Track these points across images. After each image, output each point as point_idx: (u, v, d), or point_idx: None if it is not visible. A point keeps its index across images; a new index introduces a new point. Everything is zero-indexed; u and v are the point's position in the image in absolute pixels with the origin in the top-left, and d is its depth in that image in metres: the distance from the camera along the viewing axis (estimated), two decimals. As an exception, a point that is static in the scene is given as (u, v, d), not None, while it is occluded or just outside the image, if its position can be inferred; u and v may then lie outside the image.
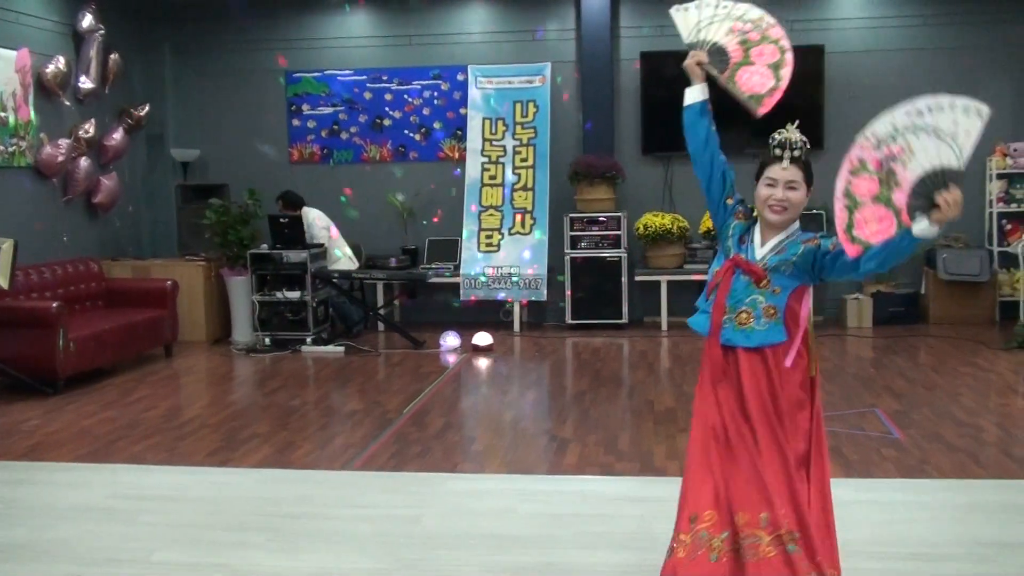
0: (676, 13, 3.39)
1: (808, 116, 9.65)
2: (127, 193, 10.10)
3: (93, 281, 8.72)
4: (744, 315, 3.22)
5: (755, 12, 3.38)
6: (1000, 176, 9.76)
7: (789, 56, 3.33)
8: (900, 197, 2.89)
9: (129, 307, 8.57)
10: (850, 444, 5.55)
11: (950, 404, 6.49)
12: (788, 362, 3.20)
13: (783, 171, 3.20)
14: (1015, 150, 9.63)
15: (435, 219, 10.41)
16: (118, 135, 9.72)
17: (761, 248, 3.26)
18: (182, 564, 4.01)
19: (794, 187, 3.21)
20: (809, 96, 9.68)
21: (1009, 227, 9.77)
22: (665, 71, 9.75)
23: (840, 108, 9.71)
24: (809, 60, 9.64)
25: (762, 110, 3.30)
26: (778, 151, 3.22)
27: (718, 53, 3.33)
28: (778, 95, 3.30)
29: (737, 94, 3.32)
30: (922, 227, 2.85)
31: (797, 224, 3.27)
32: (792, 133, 3.23)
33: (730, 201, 3.34)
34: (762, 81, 3.30)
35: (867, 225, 2.94)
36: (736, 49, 3.34)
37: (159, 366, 8.42)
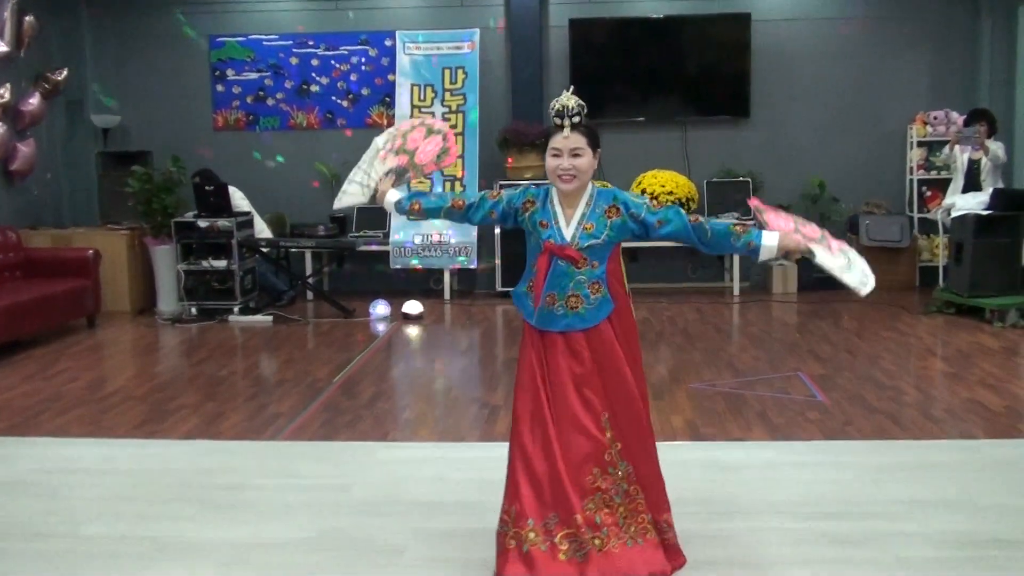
0: (345, 198, 3.99)
1: (735, 83, 9.76)
2: (45, 160, 9.83)
3: (11, 251, 8.47)
4: (573, 299, 3.28)
5: (383, 137, 3.96)
6: (920, 144, 9.96)
7: (433, 122, 3.99)
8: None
9: (49, 277, 8.35)
10: (775, 408, 5.66)
11: (872, 367, 6.65)
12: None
13: (565, 140, 3.23)
14: (935, 118, 9.84)
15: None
16: (35, 100, 9.43)
17: (568, 228, 3.29)
18: (110, 537, 3.95)
19: (579, 153, 3.23)
20: (736, 64, 9.73)
21: (929, 194, 9.99)
22: (594, 38, 9.73)
23: (766, 75, 9.79)
24: (736, 27, 9.66)
25: (450, 160, 3.95)
26: (557, 120, 3.24)
27: (391, 174, 3.85)
28: (452, 142, 3.94)
29: (433, 166, 3.90)
30: None
31: (590, 187, 3.32)
32: (568, 99, 3.23)
33: (514, 209, 3.41)
34: (433, 149, 3.89)
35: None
36: (395, 158, 3.89)
37: (81, 337, 8.24)
